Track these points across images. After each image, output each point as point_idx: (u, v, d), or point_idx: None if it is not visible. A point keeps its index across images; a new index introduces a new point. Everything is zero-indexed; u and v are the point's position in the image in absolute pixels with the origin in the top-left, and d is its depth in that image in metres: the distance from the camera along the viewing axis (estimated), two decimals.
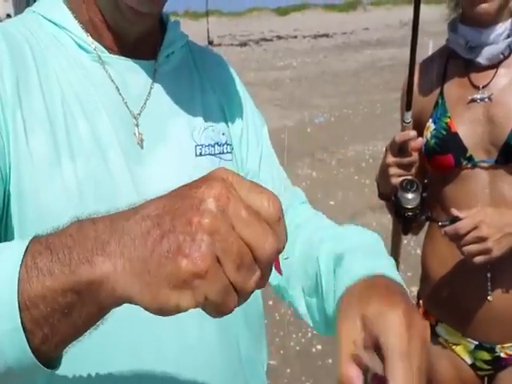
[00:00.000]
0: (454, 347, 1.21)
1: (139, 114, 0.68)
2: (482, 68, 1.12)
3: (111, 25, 0.67)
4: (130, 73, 0.68)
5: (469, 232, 1.00)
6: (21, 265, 0.37)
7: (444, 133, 1.12)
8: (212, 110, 0.76)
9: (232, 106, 0.79)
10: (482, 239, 1.00)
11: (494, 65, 1.11)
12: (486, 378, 1.23)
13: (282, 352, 2.60)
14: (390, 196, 1.09)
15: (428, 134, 1.15)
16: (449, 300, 1.19)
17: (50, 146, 0.60)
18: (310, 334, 2.73)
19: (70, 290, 0.36)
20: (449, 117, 1.13)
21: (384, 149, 1.12)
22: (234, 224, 0.35)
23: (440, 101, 1.15)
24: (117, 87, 0.66)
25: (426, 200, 1.08)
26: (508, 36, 1.07)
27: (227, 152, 0.75)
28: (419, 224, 1.19)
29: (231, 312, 0.37)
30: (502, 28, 1.07)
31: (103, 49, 0.67)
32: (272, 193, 0.38)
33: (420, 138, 1.07)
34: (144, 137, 0.67)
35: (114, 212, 0.39)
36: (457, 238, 1.02)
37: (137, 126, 0.67)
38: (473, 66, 1.13)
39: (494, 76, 1.11)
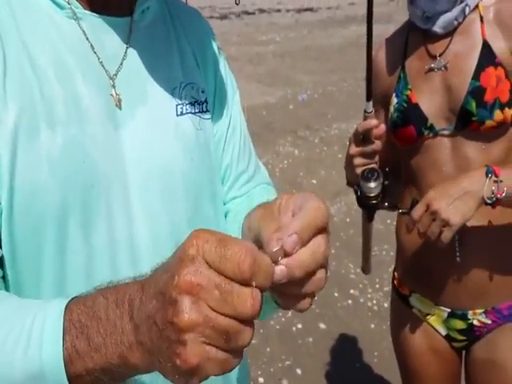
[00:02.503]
0: (428, 318, 1.24)
1: (116, 75, 0.66)
2: (438, 37, 1.14)
3: None
4: (106, 30, 0.67)
5: (423, 215, 1.03)
6: (62, 347, 0.45)
7: (405, 105, 1.15)
8: (190, 66, 0.76)
9: (206, 63, 0.79)
10: (435, 214, 1.01)
11: (450, 32, 1.12)
12: (463, 353, 1.26)
13: (261, 331, 2.64)
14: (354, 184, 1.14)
15: (391, 108, 1.18)
16: (420, 268, 1.22)
17: (27, 117, 0.58)
18: (290, 313, 2.78)
19: (108, 369, 0.45)
20: (409, 89, 1.16)
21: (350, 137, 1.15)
22: (211, 306, 0.40)
23: (402, 75, 1.18)
24: (92, 46, 0.65)
25: (388, 187, 1.11)
26: (461, 1, 1.09)
27: (206, 110, 0.76)
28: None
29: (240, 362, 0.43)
30: None
31: (77, 4, 0.64)
32: (241, 246, 0.41)
33: (382, 125, 1.08)
34: (122, 97, 0.66)
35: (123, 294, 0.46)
36: (415, 225, 1.05)
37: (113, 86, 0.66)
38: (430, 37, 1.15)
39: (449, 44, 1.12)
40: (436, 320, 1.23)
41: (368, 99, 1.08)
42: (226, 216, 0.82)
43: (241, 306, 0.40)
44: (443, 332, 1.23)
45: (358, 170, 1.09)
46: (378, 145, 1.09)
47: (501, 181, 1.00)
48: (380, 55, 1.25)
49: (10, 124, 0.57)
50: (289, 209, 0.49)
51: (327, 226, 0.48)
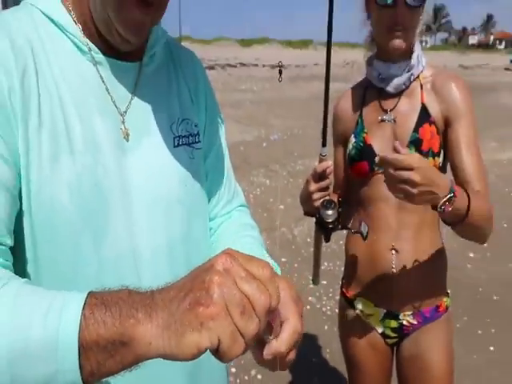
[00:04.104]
0: (368, 318, 1.26)
1: (125, 112, 0.66)
2: (390, 95, 1.19)
3: (105, 37, 0.65)
4: (119, 74, 0.66)
5: (402, 168, 0.92)
6: (81, 316, 0.41)
7: (361, 145, 1.20)
8: (186, 103, 0.75)
9: (198, 99, 0.78)
10: (412, 183, 0.91)
11: (399, 93, 1.18)
12: (394, 348, 1.28)
13: None
14: (313, 214, 1.15)
15: (350, 145, 1.23)
16: (363, 278, 1.26)
17: (52, 144, 0.59)
18: None
19: (118, 340, 0.40)
20: (365, 132, 1.21)
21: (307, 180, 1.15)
22: (236, 281, 0.41)
23: (360, 120, 1.23)
24: (107, 88, 0.65)
25: (342, 214, 1.14)
26: (408, 70, 1.16)
27: (198, 141, 0.75)
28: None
29: (238, 356, 0.41)
30: (405, 64, 1.15)
31: (97, 49, 0.64)
32: (264, 261, 0.44)
33: (332, 166, 1.10)
34: (130, 131, 0.66)
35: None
36: (388, 168, 0.93)
37: (123, 122, 0.65)
38: (384, 94, 1.20)
39: (397, 102, 1.18)
40: (374, 319, 1.25)
41: (323, 145, 1.10)
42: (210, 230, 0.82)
43: (258, 292, 0.41)
44: (380, 330, 1.26)
45: (317, 203, 1.12)
46: (331, 179, 1.13)
47: (454, 201, 0.96)
48: (342, 103, 1.29)
49: (40, 146, 0.58)
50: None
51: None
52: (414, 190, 0.92)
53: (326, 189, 1.13)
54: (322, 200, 1.11)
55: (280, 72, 0.89)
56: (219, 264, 0.42)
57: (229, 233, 0.80)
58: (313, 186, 1.11)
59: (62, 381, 0.41)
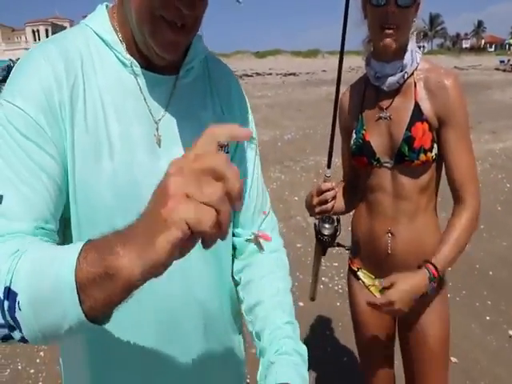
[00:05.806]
0: (369, 287, 1.28)
1: (160, 120, 0.66)
2: (385, 94, 1.14)
3: (144, 53, 0.65)
4: (155, 86, 0.66)
5: (385, 304, 1.06)
6: (77, 260, 0.41)
7: (361, 141, 1.17)
8: (219, 116, 0.72)
9: (233, 114, 0.75)
10: (397, 311, 1.07)
11: (393, 91, 1.12)
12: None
13: None
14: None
15: (352, 141, 1.21)
16: (365, 255, 1.27)
17: (95, 145, 0.61)
18: None
19: (105, 273, 0.40)
20: (365, 129, 1.17)
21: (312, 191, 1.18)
22: (190, 163, 0.38)
23: (360, 118, 1.19)
24: (144, 98, 0.65)
25: (339, 230, 1.14)
26: (402, 70, 1.10)
27: (226, 152, 0.72)
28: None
29: (224, 236, 0.38)
30: (398, 63, 1.09)
31: (137, 63, 0.65)
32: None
33: (334, 189, 1.12)
34: (162, 138, 0.65)
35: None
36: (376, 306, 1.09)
37: (157, 129, 0.65)
38: (380, 92, 1.15)
39: (392, 100, 1.13)
40: (375, 289, 1.27)
41: (328, 167, 1.09)
42: (235, 253, 0.78)
43: (209, 157, 0.38)
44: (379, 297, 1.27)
45: (317, 216, 1.14)
46: (333, 193, 1.13)
47: (438, 276, 1.06)
48: (345, 99, 1.25)
49: (84, 146, 0.60)
50: None
51: None
52: (400, 311, 1.06)
53: (326, 202, 1.14)
54: (322, 216, 1.12)
55: None
56: (172, 169, 0.39)
57: (260, 271, 0.76)
58: (316, 199, 1.12)
59: (71, 319, 0.42)
